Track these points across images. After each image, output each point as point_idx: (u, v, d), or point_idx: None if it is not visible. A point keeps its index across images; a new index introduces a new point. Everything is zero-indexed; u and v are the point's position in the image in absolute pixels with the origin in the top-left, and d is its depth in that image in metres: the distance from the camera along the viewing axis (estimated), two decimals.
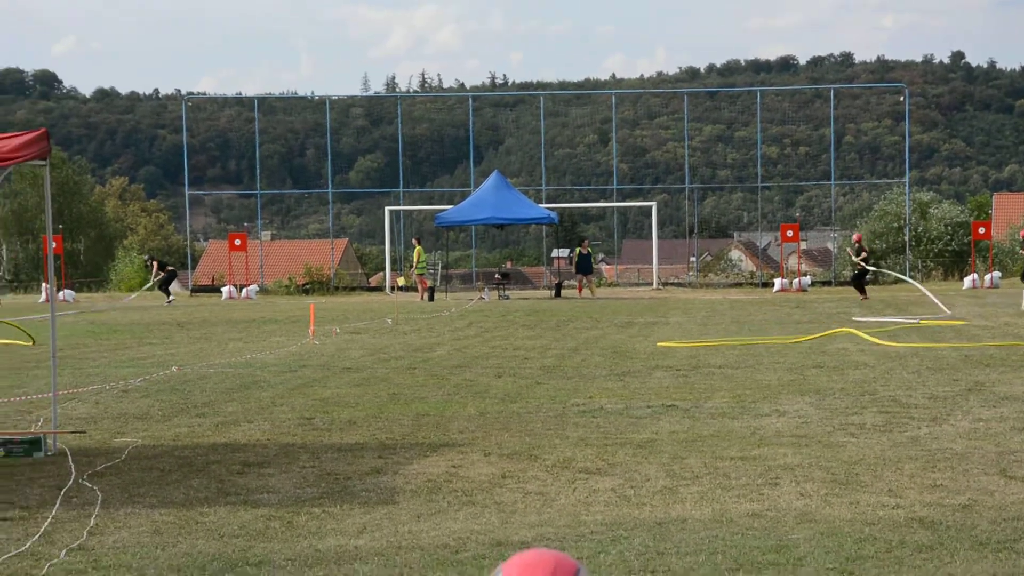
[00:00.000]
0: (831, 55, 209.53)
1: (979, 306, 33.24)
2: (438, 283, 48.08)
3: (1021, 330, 24.47)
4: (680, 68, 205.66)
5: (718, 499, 9.06)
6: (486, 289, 45.77)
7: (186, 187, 58.30)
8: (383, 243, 55.36)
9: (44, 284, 47.09)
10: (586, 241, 47.46)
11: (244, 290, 48.12)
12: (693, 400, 14.51)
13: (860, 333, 23.39)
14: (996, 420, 12.59)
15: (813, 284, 48.94)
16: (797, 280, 46.50)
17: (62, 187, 79.62)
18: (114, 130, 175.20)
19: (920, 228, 55.05)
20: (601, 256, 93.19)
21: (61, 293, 45.28)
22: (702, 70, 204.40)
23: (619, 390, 15.66)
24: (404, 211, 59.43)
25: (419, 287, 45.06)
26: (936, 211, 57.00)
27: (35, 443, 11.42)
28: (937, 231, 55.07)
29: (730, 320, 29.43)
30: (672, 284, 52.92)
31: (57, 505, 9.15)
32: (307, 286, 51.70)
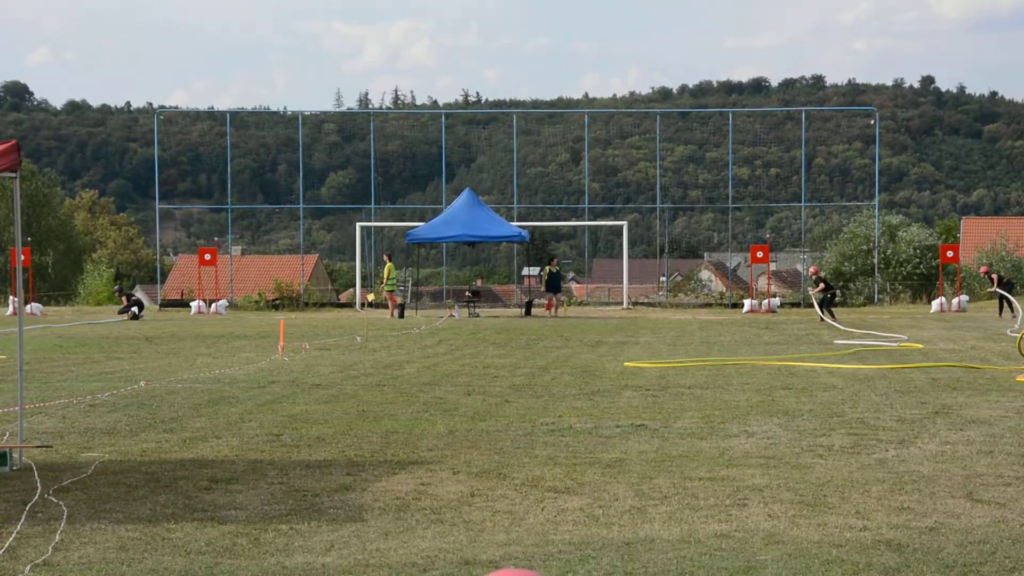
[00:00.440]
0: (803, 77, 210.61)
1: (946, 329, 33.43)
2: (408, 300, 48.02)
3: (987, 354, 24.61)
4: (653, 88, 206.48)
5: (686, 519, 9.07)
6: (456, 307, 45.76)
7: (156, 201, 58.08)
8: (354, 259, 55.29)
9: (12, 297, 46.81)
10: (556, 259, 47.54)
11: (213, 305, 47.95)
12: (662, 420, 14.53)
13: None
14: (963, 443, 12.65)
15: (782, 305, 49.17)
16: (767, 301, 46.68)
17: (31, 199, 79.27)
18: (84, 143, 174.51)
19: (889, 251, 55.32)
20: (571, 275, 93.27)
21: (29, 306, 45.02)
22: (674, 90, 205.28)
23: (588, 409, 15.67)
24: (375, 227, 59.38)
25: (389, 304, 45.00)
26: (905, 234, 57.31)
27: (0, 457, 11.34)
28: (906, 254, 55.36)
29: (699, 340, 29.50)
30: (642, 304, 53.02)
31: (22, 520, 9.08)
32: (277, 302, 51.58)
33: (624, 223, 57.09)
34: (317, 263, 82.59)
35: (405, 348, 27.13)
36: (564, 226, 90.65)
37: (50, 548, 8.23)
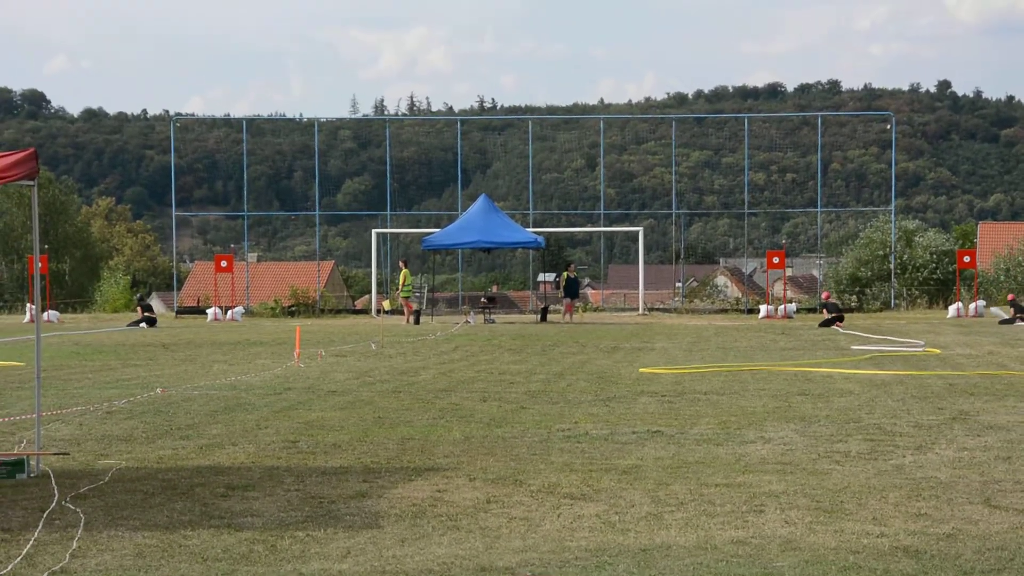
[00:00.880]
0: (819, 82, 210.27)
1: (963, 335, 33.34)
2: (424, 306, 48.06)
3: (1005, 359, 24.53)
4: (668, 94, 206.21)
5: (703, 526, 9.06)
6: (472, 313, 45.77)
7: (173, 208, 58.24)
8: (369, 266, 55.37)
9: (29, 304, 46.95)
10: (572, 265, 47.50)
11: (229, 312, 48.04)
12: (678, 426, 14.51)
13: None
14: (980, 449, 12.61)
15: (798, 311, 49.04)
16: (782, 307, 46.59)
17: (49, 207, 79.51)
18: (101, 150, 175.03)
19: (905, 256, 55.17)
20: (587, 281, 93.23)
21: (46, 314, 45.16)
22: (690, 96, 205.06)
23: (604, 415, 15.65)
24: (391, 234, 59.44)
25: (405, 310, 45.03)
26: (921, 239, 57.13)
27: (18, 464, 11.37)
28: (922, 259, 55.18)
29: (715, 346, 29.46)
30: (658, 310, 52.97)
31: (39, 527, 9.10)
32: (293, 308, 51.64)
33: (640, 229, 57.08)
34: (333, 270, 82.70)
35: (421, 354, 27.14)
36: (580, 232, 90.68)
37: (67, 555, 8.25)
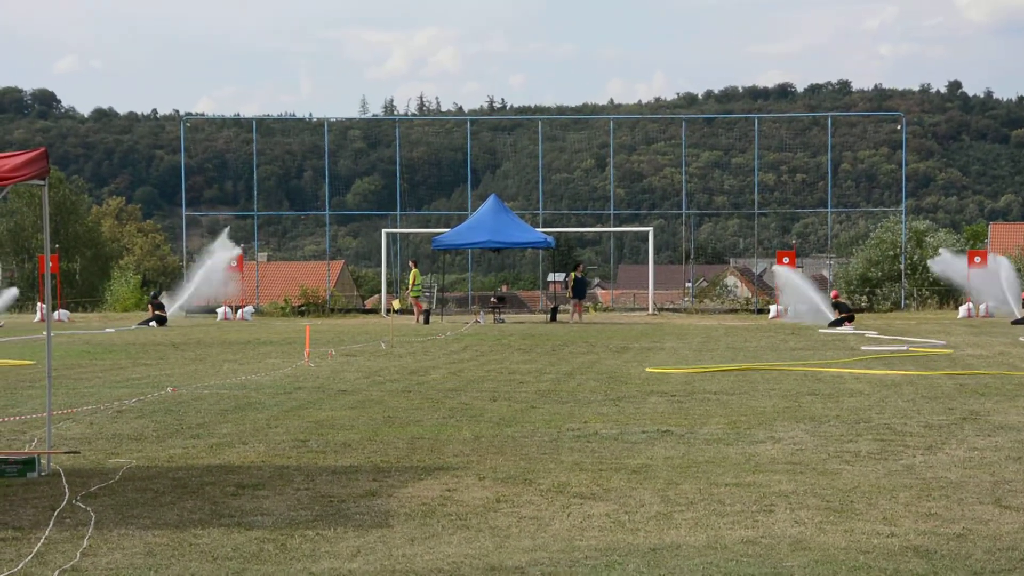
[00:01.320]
0: (829, 83, 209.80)
1: (974, 335, 33.29)
2: (434, 306, 48.08)
3: (1015, 359, 24.49)
4: (678, 94, 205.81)
5: (712, 525, 9.05)
6: (482, 312, 45.78)
7: (183, 207, 58.32)
8: (379, 265, 55.40)
9: (40, 304, 47.04)
10: (581, 265, 47.48)
11: (239, 311, 48.09)
12: (688, 426, 14.50)
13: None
14: (991, 449, 12.59)
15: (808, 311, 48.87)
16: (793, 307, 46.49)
17: (59, 206, 79.61)
18: (112, 150, 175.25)
19: (916, 256, 55.06)
20: (597, 281, 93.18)
21: (56, 313, 45.24)
22: (700, 96, 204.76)
23: (614, 415, 15.65)
24: (400, 234, 59.46)
25: (415, 310, 45.05)
26: (932, 240, 57.04)
27: (29, 463, 11.39)
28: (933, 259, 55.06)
29: (725, 346, 29.44)
30: (668, 310, 52.95)
31: (50, 526, 9.12)
32: (303, 308, 51.71)
33: (650, 229, 57.12)
34: (343, 269, 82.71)
35: (431, 354, 27.15)
36: (589, 232, 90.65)
37: (78, 554, 8.26)
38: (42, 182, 11.46)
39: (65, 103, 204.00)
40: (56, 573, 7.79)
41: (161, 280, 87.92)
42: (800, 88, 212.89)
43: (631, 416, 15.54)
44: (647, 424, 14.70)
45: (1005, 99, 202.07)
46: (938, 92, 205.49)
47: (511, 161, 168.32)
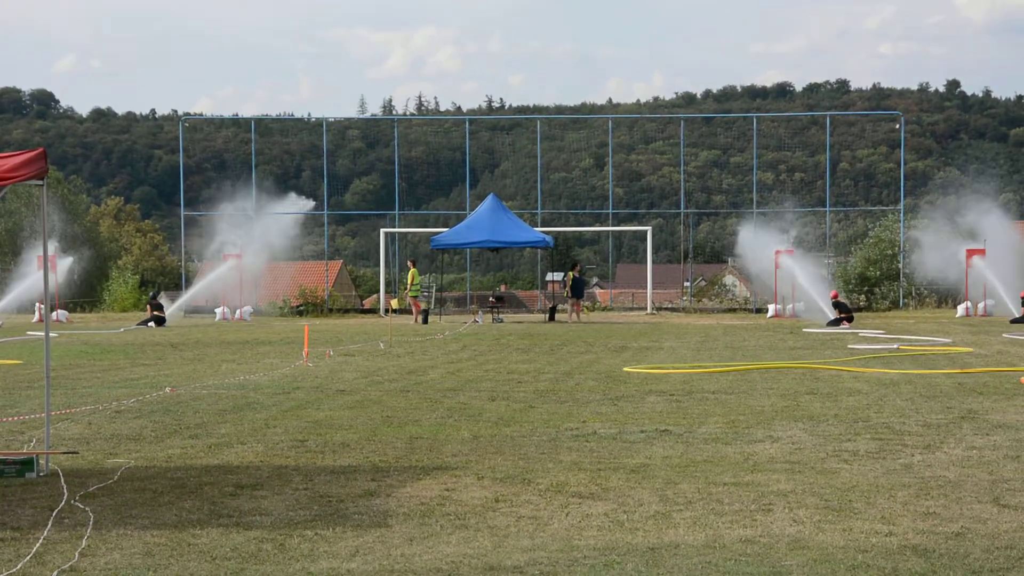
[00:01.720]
0: (827, 82, 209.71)
1: (973, 334, 33.30)
2: (432, 306, 48.08)
3: (1014, 359, 24.50)
4: (676, 93, 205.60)
5: (711, 524, 9.06)
6: (480, 312, 45.78)
7: (181, 208, 58.33)
8: (378, 265, 55.41)
9: (38, 304, 47.02)
10: (578, 265, 47.52)
11: (238, 311, 48.08)
12: (687, 425, 14.51)
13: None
14: (989, 448, 12.60)
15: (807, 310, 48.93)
16: (791, 306, 46.53)
17: (58, 207, 79.51)
18: (110, 150, 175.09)
19: (915, 255, 55.04)
20: (595, 280, 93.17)
21: (54, 313, 45.20)
22: (698, 95, 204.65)
23: (613, 415, 15.66)
24: (399, 233, 59.45)
25: (413, 310, 45.05)
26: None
27: (27, 463, 11.39)
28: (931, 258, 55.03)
29: (724, 345, 29.44)
30: (666, 309, 52.95)
31: (49, 526, 9.12)
32: (301, 308, 51.68)
33: (648, 228, 57.14)
34: (341, 269, 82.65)
35: (429, 354, 27.15)
36: (588, 231, 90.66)
37: (77, 554, 8.27)
38: (40, 182, 11.45)
39: (64, 103, 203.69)
40: (55, 573, 7.79)
41: (160, 280, 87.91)
42: (799, 87, 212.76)
43: (630, 415, 15.54)
44: (645, 423, 14.71)
45: (1004, 98, 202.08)
46: (936, 91, 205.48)
47: (510, 160, 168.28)
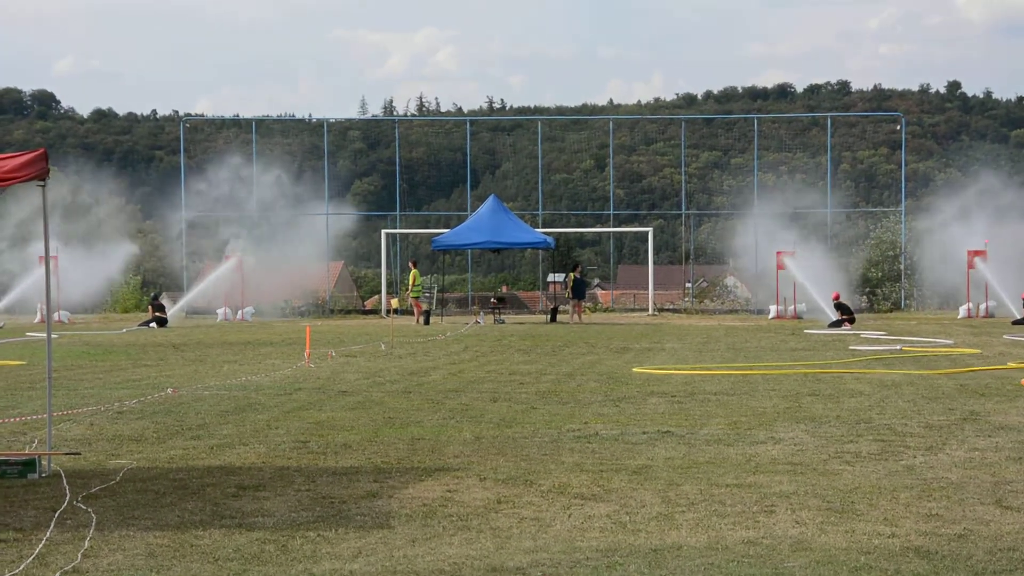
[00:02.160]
0: (828, 83, 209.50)
1: (974, 335, 33.29)
2: (433, 307, 48.07)
3: (1015, 360, 24.48)
4: (677, 94, 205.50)
5: (713, 526, 9.05)
6: (481, 313, 45.77)
7: (183, 209, 58.33)
8: (379, 266, 55.40)
9: (39, 304, 47.01)
10: (579, 266, 47.51)
11: (240, 312, 48.07)
12: (688, 427, 14.50)
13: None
14: (992, 450, 12.59)
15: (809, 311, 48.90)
16: (792, 307, 46.51)
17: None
18: (111, 151, 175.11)
19: (916, 256, 55.01)
20: (597, 281, 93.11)
21: (56, 314, 45.19)
22: (699, 97, 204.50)
23: (615, 416, 15.65)
24: (400, 234, 59.44)
25: (415, 311, 45.04)
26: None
27: (29, 464, 11.40)
28: (933, 259, 54.99)
29: (725, 347, 29.43)
30: (668, 310, 52.95)
31: (51, 527, 9.12)
32: (303, 309, 51.67)
33: (649, 229, 57.17)
34: (342, 270, 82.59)
35: (431, 355, 27.15)
36: (589, 232, 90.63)
37: (79, 555, 8.27)
38: (42, 183, 11.46)
39: (64, 104, 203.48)
40: (57, 574, 7.79)
41: (161, 281, 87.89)
42: (799, 88, 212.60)
43: (632, 417, 15.54)
44: (648, 425, 14.71)
45: (1004, 99, 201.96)
46: (937, 92, 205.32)
47: (511, 161, 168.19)
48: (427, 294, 47.10)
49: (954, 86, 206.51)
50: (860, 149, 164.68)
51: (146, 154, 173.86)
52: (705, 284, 79.03)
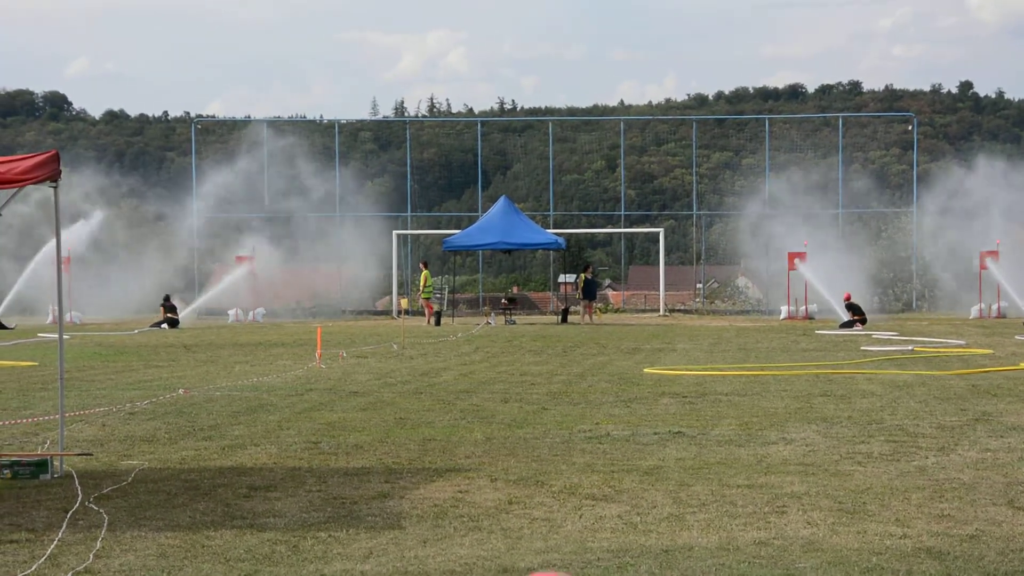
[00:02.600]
0: (840, 83, 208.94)
1: (985, 336, 33.22)
2: (444, 308, 48.08)
3: None
4: (689, 95, 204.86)
5: (724, 527, 9.05)
6: (492, 314, 45.76)
7: (194, 210, 58.41)
8: (390, 267, 55.40)
9: (51, 306, 47.10)
10: (590, 267, 47.47)
11: (251, 313, 48.13)
12: (700, 427, 14.49)
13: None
14: (1004, 450, 12.56)
15: (820, 311, 48.83)
16: (804, 308, 46.45)
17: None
18: (122, 152, 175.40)
19: (927, 257, 54.90)
20: (608, 282, 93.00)
21: (68, 314, 45.27)
22: (711, 97, 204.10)
23: (626, 416, 15.64)
24: (411, 235, 59.45)
25: (426, 312, 45.05)
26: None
27: (42, 465, 11.42)
28: (944, 260, 54.88)
29: (736, 347, 29.40)
30: (679, 311, 52.92)
31: (63, 528, 9.14)
32: (314, 309, 51.72)
33: (660, 230, 57.15)
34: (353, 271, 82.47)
35: (442, 356, 27.15)
36: (600, 233, 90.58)
37: (91, 555, 8.28)
38: (53, 184, 11.48)
39: (76, 105, 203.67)
40: (69, 575, 7.81)
41: (173, 282, 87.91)
42: (811, 89, 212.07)
43: (643, 417, 15.53)
44: (659, 425, 14.70)
45: (1017, 99, 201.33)
46: (949, 92, 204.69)
47: (522, 162, 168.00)
48: (438, 295, 47.10)
49: (966, 86, 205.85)
50: (872, 149, 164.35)
51: (158, 155, 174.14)
52: (716, 285, 78.98)
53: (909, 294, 53.14)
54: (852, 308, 40.16)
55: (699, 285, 63.05)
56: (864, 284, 54.30)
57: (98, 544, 8.60)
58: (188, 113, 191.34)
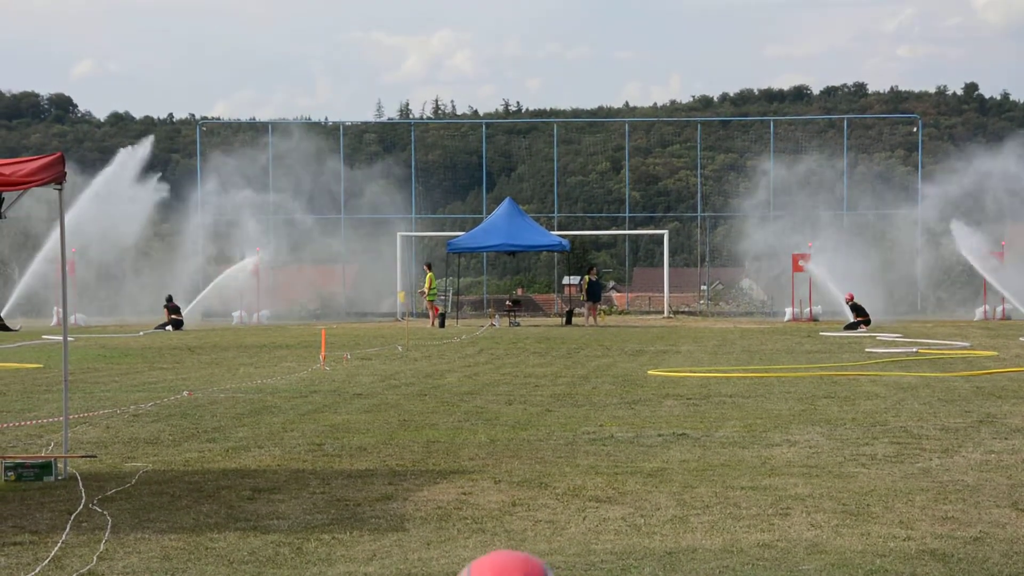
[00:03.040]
0: (844, 85, 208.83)
1: (990, 337, 33.19)
2: (449, 309, 48.10)
3: None
4: (693, 97, 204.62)
5: (728, 529, 9.04)
6: (497, 316, 45.76)
7: (199, 211, 58.45)
8: (394, 269, 55.44)
9: (56, 308, 47.13)
10: (594, 269, 47.45)
11: (255, 315, 48.15)
12: (704, 429, 14.48)
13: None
14: (1008, 452, 12.55)
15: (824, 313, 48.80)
16: (808, 309, 46.43)
17: None
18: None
19: (932, 258, 54.86)
20: (612, 284, 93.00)
21: (72, 316, 45.29)
22: (715, 99, 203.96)
23: (629, 418, 15.64)
24: (416, 237, 59.47)
25: (430, 313, 45.05)
26: (948, 242, 56.76)
27: (46, 467, 11.43)
28: (949, 262, 54.87)
29: (741, 349, 29.39)
30: (683, 312, 52.91)
31: (67, 530, 9.15)
32: (318, 311, 51.75)
33: (665, 232, 57.13)
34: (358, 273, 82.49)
35: (446, 357, 27.16)
36: (604, 235, 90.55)
37: (95, 558, 8.29)
38: (59, 186, 11.49)
39: (82, 107, 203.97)
40: None
41: (177, 284, 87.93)
42: (816, 91, 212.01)
43: (647, 419, 15.52)
44: (663, 427, 14.69)
45: (1022, 101, 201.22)
46: (954, 94, 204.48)
47: (526, 164, 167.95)
48: (442, 297, 47.09)
49: (971, 88, 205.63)
50: (876, 151, 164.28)
51: (162, 157, 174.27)
52: (720, 286, 78.97)
53: (914, 296, 53.08)
54: (855, 309, 40.13)
55: (703, 287, 63.06)
56: (868, 286, 54.32)
57: (102, 546, 8.61)
58: (193, 115, 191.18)
